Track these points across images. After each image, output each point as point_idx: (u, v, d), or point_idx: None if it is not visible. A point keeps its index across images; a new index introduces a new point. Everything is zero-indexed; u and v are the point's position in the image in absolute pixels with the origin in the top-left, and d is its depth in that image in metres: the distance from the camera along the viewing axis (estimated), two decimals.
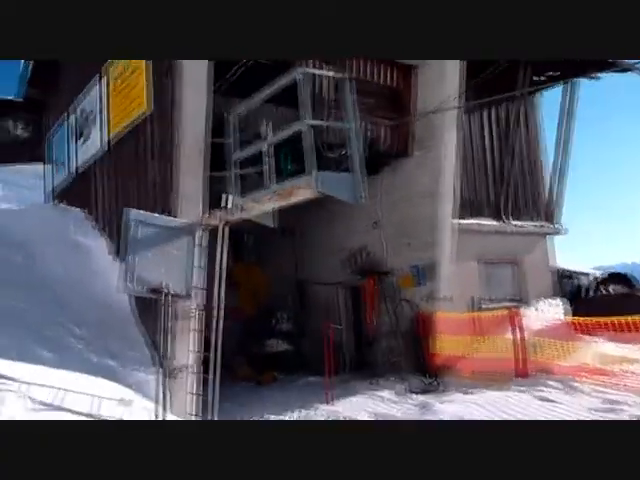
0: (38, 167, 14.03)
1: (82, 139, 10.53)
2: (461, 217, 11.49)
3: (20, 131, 18.13)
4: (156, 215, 7.54)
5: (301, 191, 6.06)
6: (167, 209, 7.89)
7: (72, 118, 11.04)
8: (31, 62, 12.04)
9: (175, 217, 7.67)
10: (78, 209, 10.79)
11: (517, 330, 8.79)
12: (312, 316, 13.09)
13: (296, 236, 14.04)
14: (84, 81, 10.49)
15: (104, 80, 9.53)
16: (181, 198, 7.81)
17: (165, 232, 7.38)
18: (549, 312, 11.26)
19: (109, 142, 9.67)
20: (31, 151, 16.09)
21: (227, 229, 7.26)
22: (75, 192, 11.22)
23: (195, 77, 7.73)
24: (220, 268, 7.23)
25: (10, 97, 16.19)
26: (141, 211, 7.39)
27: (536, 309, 11.39)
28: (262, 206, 6.67)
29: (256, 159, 7.21)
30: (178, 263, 7.39)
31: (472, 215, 12.07)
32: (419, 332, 10.47)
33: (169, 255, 7.34)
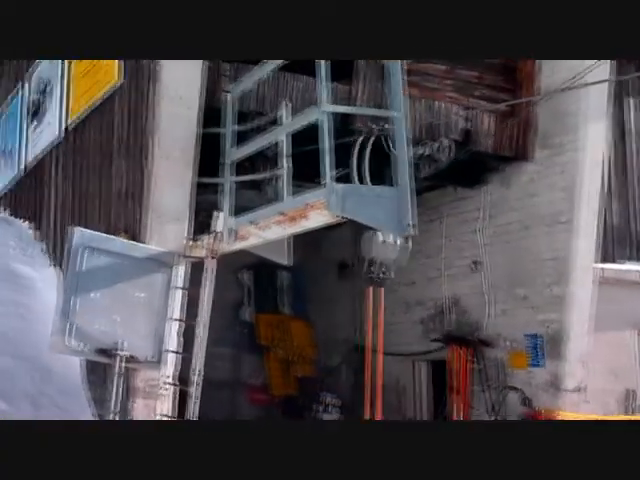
0: None
1: (35, 121, 10.54)
2: (609, 259, 10.90)
3: None
4: (114, 238, 7.68)
5: (313, 213, 5.64)
6: (132, 230, 7.91)
7: (26, 88, 11.14)
8: None
9: (143, 243, 7.67)
10: (25, 222, 10.97)
11: None
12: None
13: (357, 279, 13.52)
14: None
15: None
16: (153, 214, 7.77)
17: (126, 264, 7.43)
18: None
19: (67, 128, 9.91)
20: None
21: (214, 263, 6.99)
22: (23, 197, 11.53)
23: None
24: (201, 322, 7.12)
25: None
26: (92, 232, 7.55)
27: None
28: (264, 233, 6.35)
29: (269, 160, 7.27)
30: (143, 312, 7.45)
31: (630, 257, 11.37)
32: None
33: (129, 299, 7.41)
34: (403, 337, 12.37)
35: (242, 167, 9.17)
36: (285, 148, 6.59)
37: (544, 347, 10.14)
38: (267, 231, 6.45)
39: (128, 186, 8.28)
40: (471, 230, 11.22)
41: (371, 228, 6.20)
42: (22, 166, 11.44)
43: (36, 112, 10.85)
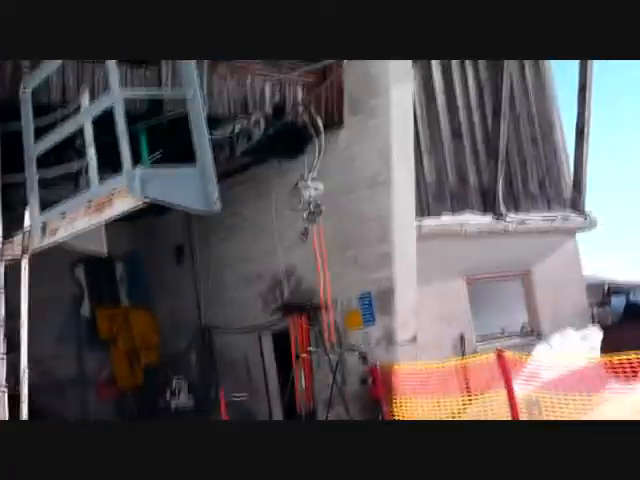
0: None
1: None
2: (432, 213, 11.54)
3: None
4: None
5: (118, 200, 5.62)
6: None
7: None
8: None
9: None
10: None
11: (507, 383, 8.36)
12: (225, 382, 12.61)
13: (196, 260, 13.59)
14: None
15: None
16: None
17: None
18: (574, 349, 10.83)
19: None
20: None
21: (26, 261, 6.83)
22: None
23: None
24: (22, 321, 6.80)
25: None
26: None
27: (552, 346, 11.00)
28: (72, 225, 6.28)
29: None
30: None
31: (451, 209, 11.99)
32: (375, 395, 10.01)
33: None
34: (248, 312, 12.52)
35: (57, 161, 9.08)
36: (87, 136, 6.50)
37: (373, 304, 10.51)
38: (75, 223, 6.35)
39: None
40: (297, 200, 11.36)
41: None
42: None
43: None
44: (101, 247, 7.13)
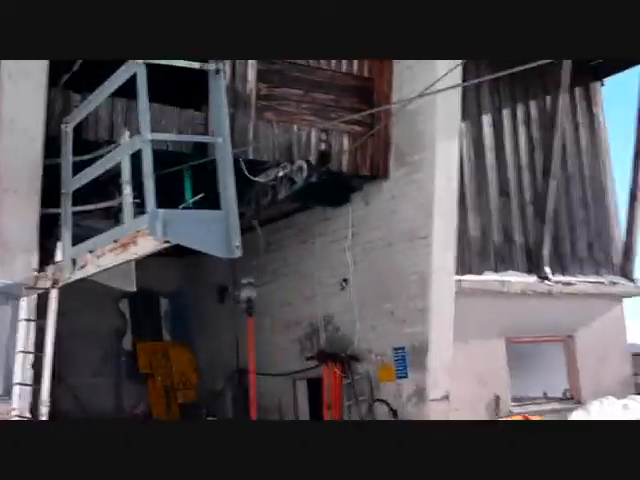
0: None
1: None
2: (474, 270, 11.49)
3: None
4: None
5: (141, 239, 5.75)
6: None
7: None
8: None
9: None
10: None
11: None
12: None
13: (239, 299, 13.68)
14: None
15: None
16: (0, 246, 7.78)
17: None
18: (613, 417, 10.57)
19: None
20: None
21: (56, 293, 7.01)
22: None
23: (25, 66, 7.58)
24: (47, 352, 6.94)
25: None
26: None
27: (590, 413, 10.75)
28: (99, 261, 6.46)
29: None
30: None
31: (495, 268, 11.89)
32: None
33: None
34: (284, 357, 12.58)
35: (98, 196, 9.30)
36: (124, 174, 6.63)
37: (407, 359, 10.40)
38: (102, 259, 6.47)
39: None
40: (340, 249, 11.46)
41: (201, 253, 6.32)
42: None
43: None
44: (130, 284, 7.25)
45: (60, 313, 12.23)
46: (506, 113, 12.44)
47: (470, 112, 11.87)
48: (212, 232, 5.89)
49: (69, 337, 13.04)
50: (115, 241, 6.26)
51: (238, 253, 5.88)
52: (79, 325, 13.18)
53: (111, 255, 6.36)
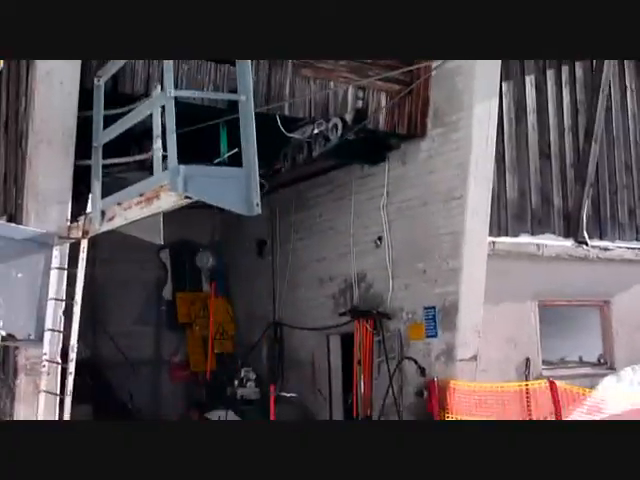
0: None
1: None
2: (510, 232, 11.37)
3: None
4: None
5: (164, 194, 5.84)
6: (14, 212, 8.17)
7: None
8: None
9: (23, 224, 7.85)
10: None
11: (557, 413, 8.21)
12: (290, 379, 12.84)
13: (275, 257, 13.83)
14: None
15: None
16: (34, 197, 8.03)
17: (5, 246, 7.37)
18: None
19: None
20: None
21: (86, 243, 7.17)
22: None
23: None
24: (73, 300, 7.23)
25: None
26: None
27: (622, 379, 10.70)
28: (126, 213, 6.54)
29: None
30: (22, 292, 7.40)
31: (531, 231, 11.77)
32: (429, 409, 9.98)
33: (9, 279, 7.34)
34: (318, 312, 12.67)
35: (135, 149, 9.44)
36: (154, 129, 6.69)
37: (437, 318, 10.48)
38: (129, 212, 6.53)
39: (8, 170, 8.38)
40: (376, 207, 11.49)
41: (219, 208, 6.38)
42: None
43: None
44: (157, 237, 7.29)
45: (103, 262, 12.60)
46: (550, 74, 12.20)
47: (513, 73, 11.72)
48: (233, 189, 5.88)
49: (111, 286, 13.41)
50: (141, 195, 6.37)
51: (257, 210, 5.89)
52: (121, 275, 13.50)
53: (137, 208, 6.42)
